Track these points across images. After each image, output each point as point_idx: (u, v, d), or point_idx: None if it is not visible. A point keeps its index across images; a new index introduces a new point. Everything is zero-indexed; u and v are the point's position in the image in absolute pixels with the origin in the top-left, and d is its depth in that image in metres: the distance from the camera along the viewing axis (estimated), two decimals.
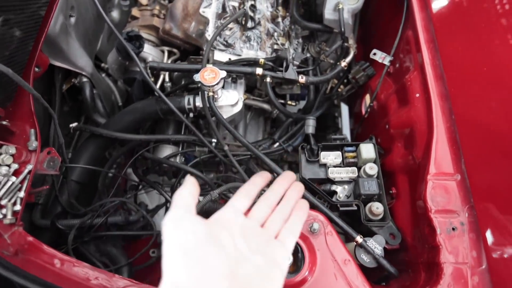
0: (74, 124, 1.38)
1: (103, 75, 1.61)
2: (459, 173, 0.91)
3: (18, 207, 0.92)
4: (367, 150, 1.10)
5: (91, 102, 1.40)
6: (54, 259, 0.88)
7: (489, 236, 0.84)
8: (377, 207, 1.03)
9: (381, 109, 1.24)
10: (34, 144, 0.99)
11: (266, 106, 1.58)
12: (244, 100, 1.46)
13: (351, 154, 1.14)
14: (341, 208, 1.08)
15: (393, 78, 1.22)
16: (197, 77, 1.20)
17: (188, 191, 0.58)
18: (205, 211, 1.25)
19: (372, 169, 1.07)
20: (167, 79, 1.52)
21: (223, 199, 1.48)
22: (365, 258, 0.95)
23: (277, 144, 1.50)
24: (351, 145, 1.15)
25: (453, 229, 0.86)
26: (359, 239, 0.95)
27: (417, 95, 1.03)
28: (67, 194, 1.25)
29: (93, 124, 1.41)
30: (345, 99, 1.92)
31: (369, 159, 1.10)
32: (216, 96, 1.26)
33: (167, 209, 1.43)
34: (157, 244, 1.34)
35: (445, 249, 0.85)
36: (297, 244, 0.89)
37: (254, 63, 1.36)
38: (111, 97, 1.62)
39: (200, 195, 1.44)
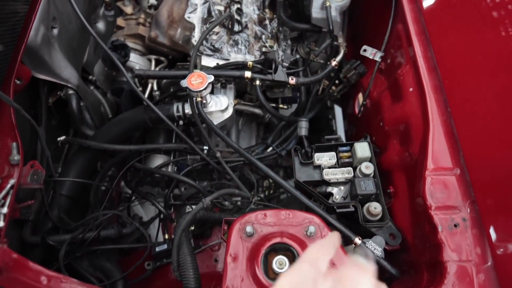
0: (62, 138, 1.34)
1: (92, 87, 1.57)
2: (458, 167, 0.87)
3: (1, 224, 0.88)
4: (362, 149, 1.06)
5: (78, 115, 1.36)
6: (40, 276, 0.84)
7: (493, 231, 0.79)
8: (375, 207, 0.99)
9: (375, 106, 1.21)
10: (16, 157, 0.95)
11: (257, 110, 1.55)
12: (235, 105, 1.43)
13: (345, 154, 1.10)
14: (338, 210, 1.04)
15: (385, 74, 1.19)
16: (184, 82, 1.17)
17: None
18: (200, 220, 1.20)
19: (368, 168, 1.03)
20: (155, 87, 1.49)
21: (218, 207, 1.44)
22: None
23: (271, 148, 1.46)
24: (346, 144, 1.11)
25: (455, 225, 0.82)
26: (357, 241, 0.91)
27: (411, 89, 1.00)
28: (59, 208, 1.21)
29: (82, 137, 1.38)
30: (338, 100, 1.89)
31: (364, 158, 1.06)
32: (204, 101, 1.23)
33: (160, 221, 1.39)
34: (152, 257, 1.29)
35: (448, 246, 0.81)
36: (293, 249, 0.84)
37: (242, 66, 1.33)
38: (100, 109, 1.58)
39: (193, 204, 1.42)
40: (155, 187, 1.57)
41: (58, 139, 1.33)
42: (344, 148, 1.11)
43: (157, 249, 1.27)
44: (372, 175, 1.04)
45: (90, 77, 1.55)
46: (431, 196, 0.85)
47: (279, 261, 0.83)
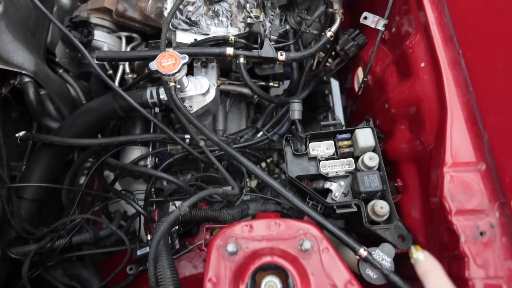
0: (21, 133, 1.14)
1: (61, 71, 1.35)
2: (483, 162, 0.69)
3: None
4: (365, 136, 0.87)
5: (37, 106, 1.15)
6: None
7: None
8: (381, 207, 0.82)
9: (378, 84, 1.01)
10: None
11: (245, 90, 1.34)
12: (219, 86, 1.22)
13: (345, 142, 0.91)
14: (338, 211, 0.87)
15: (389, 45, 0.97)
16: (153, 65, 0.96)
17: None
18: (183, 221, 1.04)
19: (372, 159, 0.85)
20: (127, 70, 1.26)
21: (205, 200, 1.28)
22: (371, 274, 0.75)
23: (261, 133, 1.27)
24: (345, 131, 0.92)
25: (481, 234, 0.66)
26: (362, 252, 0.75)
27: (422, 64, 0.80)
28: (18, 217, 1.04)
29: (47, 131, 1.18)
30: (335, 74, 1.67)
31: (367, 148, 0.88)
32: (179, 86, 1.02)
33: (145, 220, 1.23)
34: (134, 260, 1.14)
35: (473, 260, 0.64)
36: (286, 269, 0.68)
37: (223, 42, 1.11)
38: (71, 96, 1.36)
39: (176, 200, 1.25)
40: (137, 179, 1.40)
41: (17, 135, 1.14)
42: (343, 136, 0.92)
43: (139, 252, 1.12)
44: (377, 167, 0.86)
45: (57, 59, 1.33)
46: (451, 198, 0.67)
47: (268, 285, 0.67)
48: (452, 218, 0.66)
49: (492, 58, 0.70)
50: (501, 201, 0.66)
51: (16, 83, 1.13)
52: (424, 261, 0.59)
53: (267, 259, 0.68)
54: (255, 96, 1.37)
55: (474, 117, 0.72)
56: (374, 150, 0.88)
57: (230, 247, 0.69)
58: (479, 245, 0.65)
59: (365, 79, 1.07)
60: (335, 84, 1.71)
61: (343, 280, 0.67)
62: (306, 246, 0.68)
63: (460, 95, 0.73)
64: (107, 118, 1.15)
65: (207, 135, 0.92)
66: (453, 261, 0.68)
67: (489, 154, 0.69)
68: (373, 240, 0.82)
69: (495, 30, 0.69)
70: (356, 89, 1.18)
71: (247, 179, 1.40)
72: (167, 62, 0.95)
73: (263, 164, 1.49)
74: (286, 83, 1.45)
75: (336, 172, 0.91)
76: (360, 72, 1.17)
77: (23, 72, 1.11)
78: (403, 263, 0.83)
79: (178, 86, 1.00)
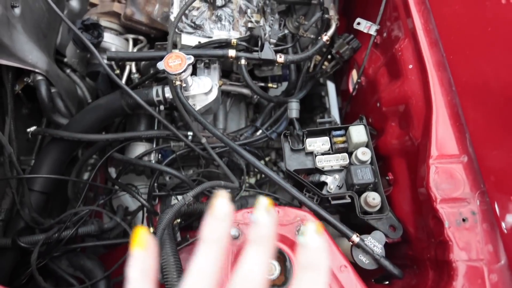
0: (32, 128, 1.18)
1: (68, 71, 1.40)
2: (465, 154, 0.74)
3: None
4: (358, 132, 0.93)
5: (48, 102, 1.20)
6: None
7: (506, 224, 0.68)
8: (374, 198, 0.87)
9: (370, 85, 1.06)
10: None
11: (245, 91, 1.39)
12: (220, 86, 1.27)
13: (340, 138, 0.97)
14: (333, 202, 0.91)
15: (381, 49, 1.03)
16: (161, 65, 1.01)
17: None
18: (185, 213, 1.08)
19: (364, 154, 0.90)
20: (134, 70, 1.31)
21: (206, 196, 1.32)
22: (363, 259, 0.80)
23: (260, 131, 1.32)
24: (340, 128, 0.97)
25: (463, 220, 0.71)
26: (355, 238, 0.79)
27: (410, 66, 0.86)
28: (29, 207, 1.08)
29: (56, 126, 1.22)
30: (331, 76, 1.73)
31: (360, 143, 0.93)
32: (185, 85, 1.07)
33: (144, 213, 1.26)
34: None
35: (456, 244, 0.69)
36: (284, 252, 0.73)
37: (226, 44, 1.16)
38: (78, 94, 1.41)
39: (178, 194, 1.29)
40: (140, 175, 1.44)
41: (28, 130, 1.18)
42: (338, 132, 0.97)
43: None
44: (369, 161, 0.92)
45: (66, 59, 1.37)
46: (436, 188, 0.73)
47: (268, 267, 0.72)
48: (437, 206, 0.71)
49: (472, 60, 0.76)
50: (481, 189, 0.72)
51: (29, 81, 1.18)
52: (314, 250, 0.34)
53: None
54: (255, 96, 1.42)
55: (457, 114, 0.77)
56: (367, 146, 0.93)
57: (233, 232, 0.73)
58: (462, 230, 0.70)
59: (358, 80, 1.13)
60: (331, 86, 1.77)
61: (338, 263, 0.72)
62: (303, 230, 0.72)
63: (444, 94, 0.79)
64: (114, 114, 1.20)
65: (210, 130, 0.97)
66: (439, 246, 0.73)
67: (470, 147, 0.74)
68: (366, 231, 0.86)
69: (474, 35, 0.75)
70: (351, 90, 1.24)
71: (246, 177, 1.45)
72: (174, 62, 1.00)
73: (262, 162, 1.53)
74: (284, 84, 1.50)
75: (331, 166, 0.96)
76: (354, 74, 1.23)
77: (37, 70, 1.16)
78: (394, 252, 0.87)
79: (184, 85, 1.05)
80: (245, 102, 1.53)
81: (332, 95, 1.72)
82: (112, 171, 1.45)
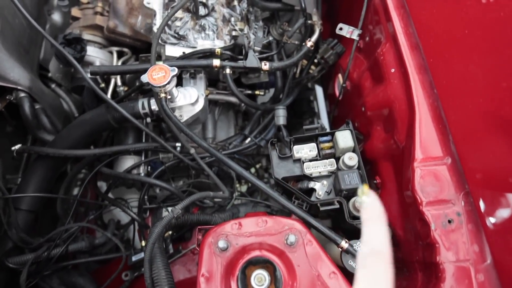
0: (17, 147, 1.17)
1: (53, 85, 1.39)
2: (449, 156, 0.75)
3: None
4: (344, 138, 0.94)
5: (33, 119, 1.19)
6: None
7: (490, 224, 0.69)
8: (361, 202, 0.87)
9: (355, 89, 1.08)
10: None
11: (233, 99, 1.40)
12: (207, 95, 1.28)
13: (326, 144, 0.97)
14: (321, 208, 0.92)
15: (364, 53, 1.05)
16: (144, 78, 1.01)
17: None
18: (176, 225, 1.08)
19: (351, 159, 0.91)
20: (119, 82, 1.31)
21: (197, 206, 1.32)
22: (353, 265, 0.80)
23: (249, 139, 1.33)
24: (326, 134, 0.98)
25: (449, 221, 0.72)
26: (344, 244, 0.80)
27: (393, 70, 0.87)
28: (16, 227, 1.06)
29: (42, 143, 1.21)
30: (318, 80, 1.75)
31: (347, 148, 0.94)
32: (170, 96, 1.07)
33: (136, 227, 1.26)
34: (129, 266, 1.17)
35: (443, 246, 0.70)
36: (273, 262, 0.73)
37: (210, 54, 1.17)
38: (64, 109, 1.40)
39: (169, 206, 1.29)
40: (130, 188, 1.43)
41: (13, 148, 1.17)
42: (324, 138, 0.98)
43: (134, 258, 1.15)
44: (356, 166, 0.92)
45: (50, 74, 1.37)
46: (422, 190, 0.74)
47: (257, 278, 0.72)
48: (423, 209, 0.72)
49: (451, 63, 0.77)
50: (465, 190, 0.73)
51: (12, 99, 1.17)
52: (369, 206, 0.50)
53: (255, 253, 0.72)
54: (242, 104, 1.43)
55: (440, 116, 0.78)
56: (353, 151, 0.94)
57: (221, 244, 0.73)
58: (448, 232, 0.71)
59: (343, 85, 1.14)
60: (319, 91, 1.78)
61: (327, 271, 0.72)
62: (291, 239, 0.73)
63: (426, 96, 0.80)
64: (100, 129, 1.19)
65: (196, 142, 0.97)
66: (426, 248, 0.74)
67: (453, 148, 0.75)
68: (357, 236, 0.87)
69: (452, 38, 0.76)
70: (337, 94, 1.25)
71: (237, 184, 1.45)
72: (158, 74, 1.00)
73: (252, 170, 1.54)
74: (272, 91, 1.51)
75: (319, 172, 0.97)
76: (340, 78, 1.24)
77: (19, 88, 1.15)
78: None
79: (169, 97, 1.06)
80: (234, 110, 1.54)
81: (321, 99, 1.73)
82: (103, 185, 1.44)
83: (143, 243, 1.19)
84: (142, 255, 1.14)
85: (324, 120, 1.63)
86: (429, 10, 0.86)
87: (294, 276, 0.71)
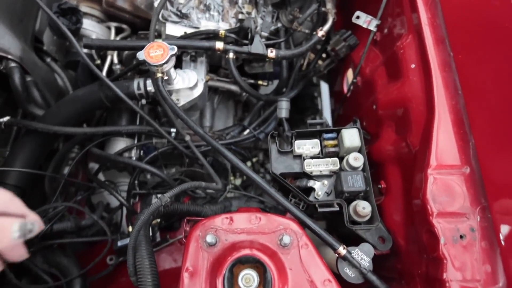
0: (5, 119, 1.08)
1: (49, 59, 1.28)
2: (468, 165, 0.66)
3: None
4: (351, 136, 0.84)
5: (23, 92, 1.09)
6: None
7: (508, 243, 0.61)
8: (364, 207, 0.79)
9: (367, 85, 0.98)
10: None
11: (234, 87, 1.30)
12: (207, 81, 1.18)
13: (331, 142, 0.88)
14: (320, 209, 0.83)
15: (380, 47, 0.94)
16: (141, 55, 0.91)
17: None
18: (165, 214, 0.99)
19: (357, 160, 0.82)
20: (115, 60, 1.21)
21: (188, 195, 1.23)
22: (349, 273, 0.72)
23: (247, 131, 1.23)
24: (331, 131, 0.89)
25: (461, 236, 0.63)
26: (342, 250, 0.71)
27: (413, 65, 0.77)
28: None
29: (32, 118, 1.12)
30: (324, 76, 1.64)
31: (353, 148, 0.84)
32: (167, 77, 0.97)
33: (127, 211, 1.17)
34: (114, 251, 1.09)
35: (451, 263, 0.61)
36: (264, 263, 0.65)
37: (213, 36, 1.06)
38: (58, 85, 1.30)
39: (159, 193, 1.20)
40: (122, 172, 1.34)
41: (0, 120, 1.08)
42: (329, 135, 0.88)
43: (119, 243, 1.07)
44: (361, 168, 0.83)
45: (45, 47, 1.26)
46: (433, 200, 0.65)
47: (245, 278, 0.63)
48: (433, 220, 0.64)
49: (483, 61, 0.67)
50: (483, 205, 0.64)
51: (1, 68, 1.07)
52: None
53: (245, 252, 0.64)
54: (244, 93, 1.33)
55: (461, 121, 0.69)
56: (359, 151, 0.85)
57: (209, 238, 0.65)
58: (458, 248, 0.62)
59: (354, 80, 1.04)
60: (324, 87, 1.68)
61: (321, 277, 0.64)
62: (285, 241, 0.65)
63: (448, 97, 0.70)
64: (93, 107, 1.10)
65: (192, 128, 0.88)
66: (431, 262, 0.65)
67: (474, 158, 0.66)
68: (353, 241, 0.78)
69: (489, 32, 0.66)
70: (345, 90, 1.15)
71: (232, 177, 1.36)
72: (155, 52, 0.90)
73: (249, 163, 1.45)
74: (275, 83, 1.41)
75: (320, 171, 0.88)
76: (350, 73, 1.14)
77: (9, 57, 1.05)
78: (382, 264, 0.80)
79: (166, 78, 0.96)
80: (234, 100, 1.44)
81: (325, 96, 1.63)
82: (95, 167, 1.36)
83: (131, 229, 1.11)
84: (128, 240, 1.06)
85: (327, 118, 1.53)
86: None
87: (285, 280, 0.63)
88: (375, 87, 0.91)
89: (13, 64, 1.07)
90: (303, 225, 0.71)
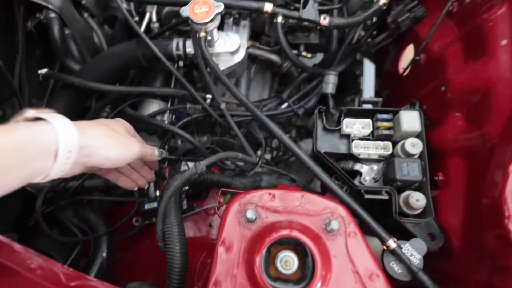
0: (44, 70, 1.05)
1: (86, 15, 1.23)
2: None
3: None
4: (410, 119, 0.74)
5: (61, 44, 1.05)
6: None
7: None
8: (417, 199, 0.70)
9: (433, 64, 0.85)
10: None
11: (274, 57, 1.20)
12: (248, 47, 1.08)
13: (385, 124, 0.78)
14: (366, 196, 0.75)
15: (456, 19, 0.81)
16: (184, 11, 0.83)
17: None
18: (194, 182, 0.94)
19: (414, 146, 0.72)
20: (154, 18, 1.13)
21: (217, 166, 1.18)
22: (395, 268, 0.65)
23: (286, 104, 1.14)
24: (387, 111, 0.79)
25: None
26: (392, 243, 0.64)
27: (504, 42, 0.64)
28: None
29: (68, 72, 1.08)
30: (370, 54, 1.50)
31: (411, 133, 0.74)
32: (210, 38, 0.89)
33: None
34: (140, 213, 1.08)
35: None
36: (306, 246, 0.58)
37: None
38: (94, 41, 1.25)
39: (189, 160, 1.16)
40: (151, 135, 1.31)
41: (39, 71, 1.05)
42: (384, 116, 0.78)
43: (146, 206, 1.05)
44: (417, 156, 0.74)
45: (83, 1, 1.20)
46: None
47: (285, 260, 0.57)
48: (509, 225, 0.54)
49: None
50: None
51: (42, 18, 1.03)
52: None
53: (285, 232, 0.58)
54: (285, 64, 1.23)
55: None
56: (418, 136, 0.75)
57: (249, 214, 0.59)
58: None
59: (417, 58, 0.91)
60: (369, 66, 1.54)
61: (368, 270, 0.57)
62: (333, 226, 0.58)
63: None
64: (129, 65, 1.04)
65: (234, 93, 0.80)
66: (497, 271, 0.56)
67: None
68: (395, 234, 0.70)
69: None
70: (401, 70, 1.03)
71: (264, 151, 1.29)
72: (200, 9, 0.82)
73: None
74: (319, 56, 1.30)
75: (369, 155, 0.79)
76: (409, 50, 1.01)
77: (49, 6, 1.01)
78: (426, 262, 0.72)
79: (209, 38, 0.88)
80: (272, 71, 1.34)
81: (369, 76, 1.49)
82: None
83: (157, 193, 1.08)
84: (154, 204, 1.04)
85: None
86: None
87: (329, 267, 0.57)
88: (446, 67, 0.78)
89: (53, 15, 1.03)
90: (352, 211, 0.63)
